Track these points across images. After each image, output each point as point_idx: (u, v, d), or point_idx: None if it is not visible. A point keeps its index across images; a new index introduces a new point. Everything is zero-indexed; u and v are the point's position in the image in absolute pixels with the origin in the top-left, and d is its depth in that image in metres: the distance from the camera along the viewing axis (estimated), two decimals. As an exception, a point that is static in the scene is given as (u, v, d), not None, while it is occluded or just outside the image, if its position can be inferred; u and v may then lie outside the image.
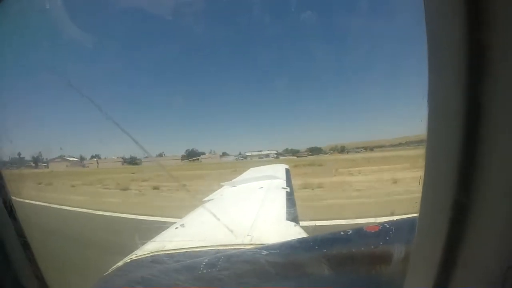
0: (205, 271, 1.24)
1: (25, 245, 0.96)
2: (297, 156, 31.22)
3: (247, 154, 31.86)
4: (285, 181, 4.12)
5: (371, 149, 31.92)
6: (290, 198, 3.04)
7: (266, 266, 1.19)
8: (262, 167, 6.60)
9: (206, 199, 3.52)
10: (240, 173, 5.87)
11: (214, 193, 3.91)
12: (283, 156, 30.52)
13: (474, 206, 0.58)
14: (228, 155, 32.78)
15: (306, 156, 30.57)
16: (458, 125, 0.58)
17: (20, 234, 0.95)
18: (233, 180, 4.98)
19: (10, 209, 0.93)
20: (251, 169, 6.43)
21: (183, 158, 31.42)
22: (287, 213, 2.46)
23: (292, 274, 1.18)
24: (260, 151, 31.85)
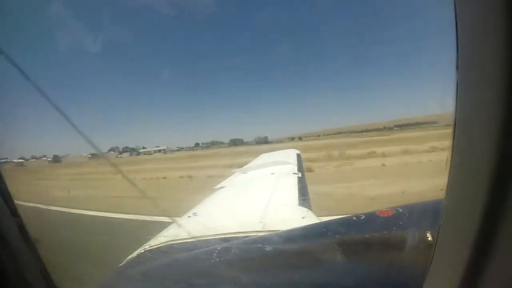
0: (218, 259, 1.24)
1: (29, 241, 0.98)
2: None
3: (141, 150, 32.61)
4: (296, 166, 4.09)
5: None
6: (302, 184, 3.02)
7: (279, 253, 1.18)
8: (273, 152, 6.55)
9: (217, 186, 3.54)
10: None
11: (226, 180, 3.93)
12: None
13: (508, 202, 0.52)
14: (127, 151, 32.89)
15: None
16: (494, 114, 0.52)
17: (22, 231, 0.97)
18: (244, 167, 4.99)
19: (12, 207, 0.95)
20: (263, 155, 6.40)
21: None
22: (299, 198, 2.44)
23: (304, 260, 1.17)
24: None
